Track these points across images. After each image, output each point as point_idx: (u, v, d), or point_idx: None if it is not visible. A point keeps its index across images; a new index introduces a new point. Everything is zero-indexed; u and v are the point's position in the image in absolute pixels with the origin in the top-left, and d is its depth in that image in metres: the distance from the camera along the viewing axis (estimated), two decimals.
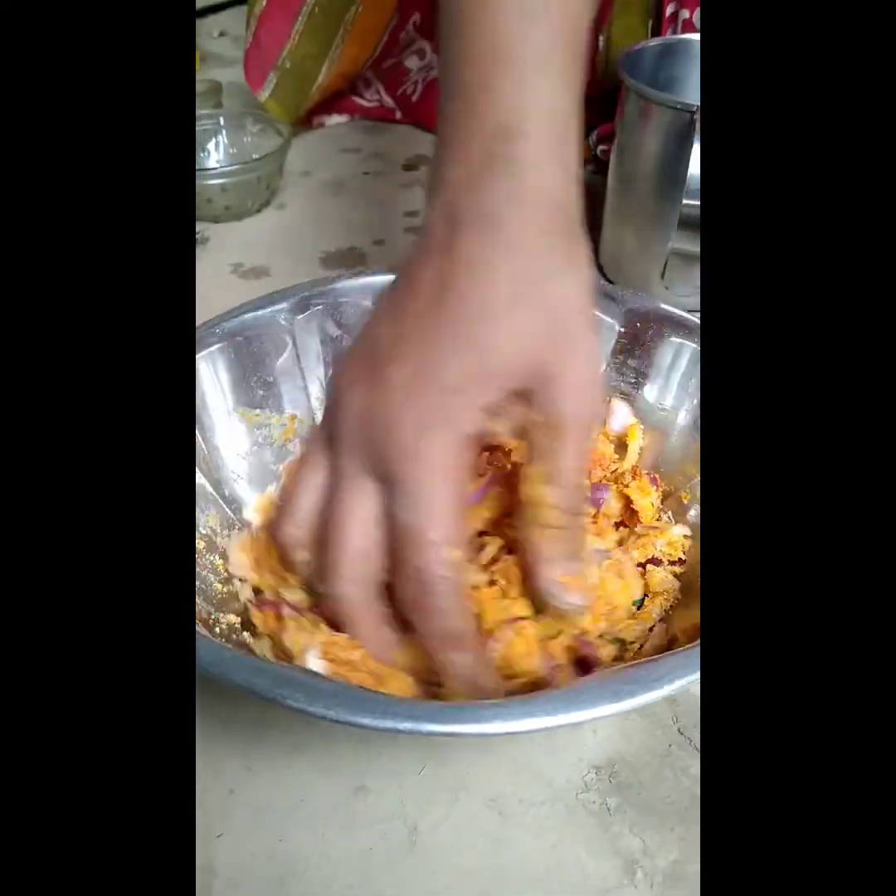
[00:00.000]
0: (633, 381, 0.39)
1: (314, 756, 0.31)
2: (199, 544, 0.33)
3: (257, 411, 0.37)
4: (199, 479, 0.34)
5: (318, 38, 0.69)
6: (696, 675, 0.24)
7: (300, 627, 0.30)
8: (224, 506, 0.35)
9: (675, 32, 0.60)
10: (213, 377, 0.35)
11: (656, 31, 0.63)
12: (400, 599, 0.28)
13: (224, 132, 0.66)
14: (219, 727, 0.32)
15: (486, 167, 0.27)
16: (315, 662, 0.28)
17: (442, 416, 0.26)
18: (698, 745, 0.32)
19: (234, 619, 0.31)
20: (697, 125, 0.44)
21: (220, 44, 1.02)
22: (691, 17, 0.59)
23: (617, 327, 0.39)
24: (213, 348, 0.35)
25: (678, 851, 0.29)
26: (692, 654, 0.25)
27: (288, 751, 0.32)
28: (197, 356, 0.35)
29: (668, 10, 0.60)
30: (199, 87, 0.71)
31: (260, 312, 0.37)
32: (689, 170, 0.44)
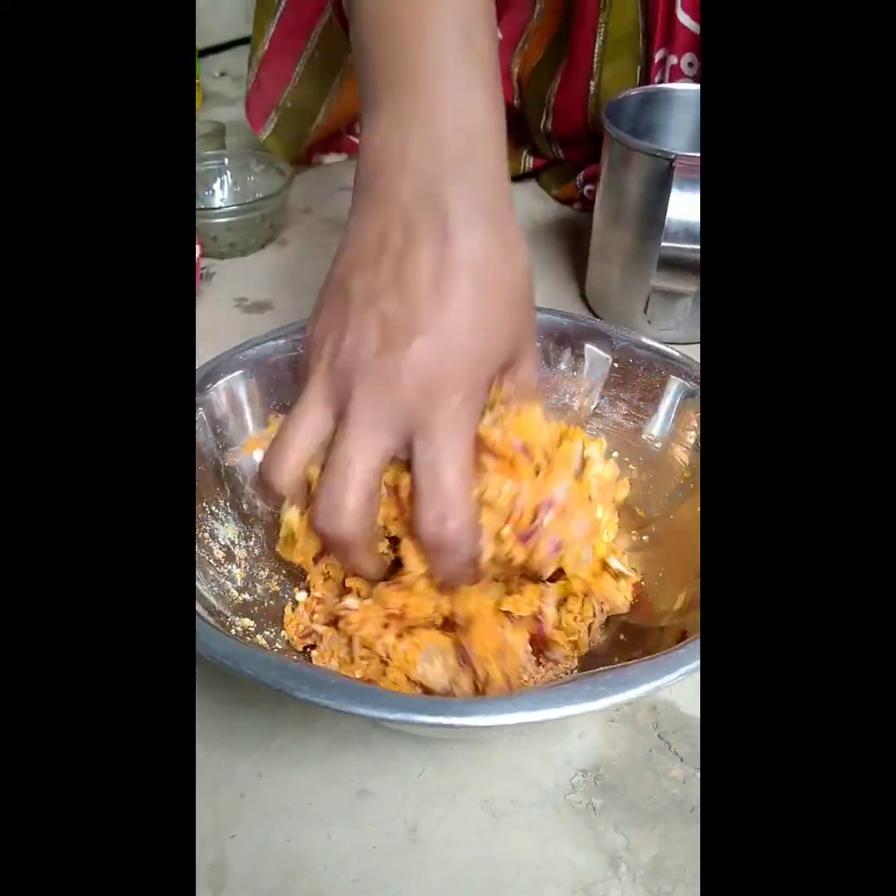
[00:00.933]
0: (625, 413, 0.42)
1: (319, 762, 0.34)
2: (219, 554, 0.35)
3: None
4: (220, 497, 0.37)
5: (317, 80, 0.71)
6: (667, 679, 0.26)
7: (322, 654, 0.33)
8: (241, 521, 0.38)
9: (663, 77, 0.62)
10: (235, 399, 0.38)
11: (645, 76, 0.64)
12: (422, 531, 0.30)
13: (228, 172, 0.69)
14: (230, 735, 0.34)
15: (462, 161, 0.31)
16: None
17: (472, 386, 0.30)
18: (677, 750, 0.34)
19: (248, 622, 0.34)
20: (675, 172, 0.47)
21: (220, 83, 1.06)
22: (679, 63, 0.61)
23: (610, 362, 0.42)
24: (235, 374, 0.38)
25: (658, 848, 0.31)
26: (661, 660, 0.27)
27: (295, 757, 0.34)
28: (222, 380, 0.38)
29: (657, 55, 0.62)
30: (203, 129, 0.74)
31: (279, 341, 0.40)
32: (668, 214, 0.47)
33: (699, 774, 0.33)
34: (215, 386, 0.38)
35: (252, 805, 0.32)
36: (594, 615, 0.36)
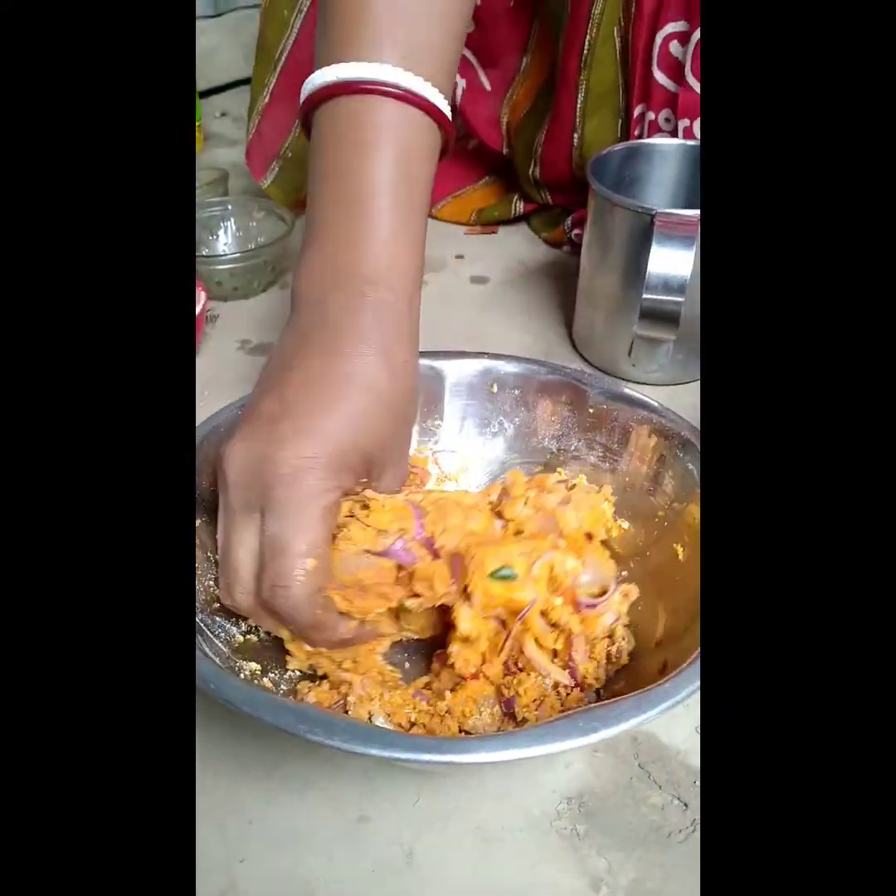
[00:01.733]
0: (600, 455, 0.45)
1: (323, 791, 0.36)
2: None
3: None
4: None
5: None
6: (653, 712, 0.29)
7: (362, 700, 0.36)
8: None
9: (642, 130, 0.66)
10: None
11: (625, 129, 0.68)
12: (261, 599, 0.33)
13: (232, 218, 0.72)
14: (239, 766, 0.37)
15: (358, 296, 0.36)
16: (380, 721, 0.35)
17: (324, 465, 0.33)
18: (656, 779, 0.37)
19: (255, 666, 0.36)
20: (655, 227, 0.50)
21: (221, 124, 1.09)
22: (656, 118, 0.65)
23: (586, 407, 0.45)
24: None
25: (637, 871, 0.34)
26: (647, 695, 0.30)
27: (300, 787, 0.36)
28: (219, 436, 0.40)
29: (636, 111, 0.65)
30: (207, 177, 0.77)
31: None
32: (648, 267, 0.50)
33: (676, 801, 0.36)
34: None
35: (260, 831, 0.35)
36: (608, 657, 0.39)
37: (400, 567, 0.36)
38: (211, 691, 0.29)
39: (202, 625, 0.35)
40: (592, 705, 0.30)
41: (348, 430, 0.34)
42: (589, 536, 0.39)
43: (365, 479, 0.36)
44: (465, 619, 0.36)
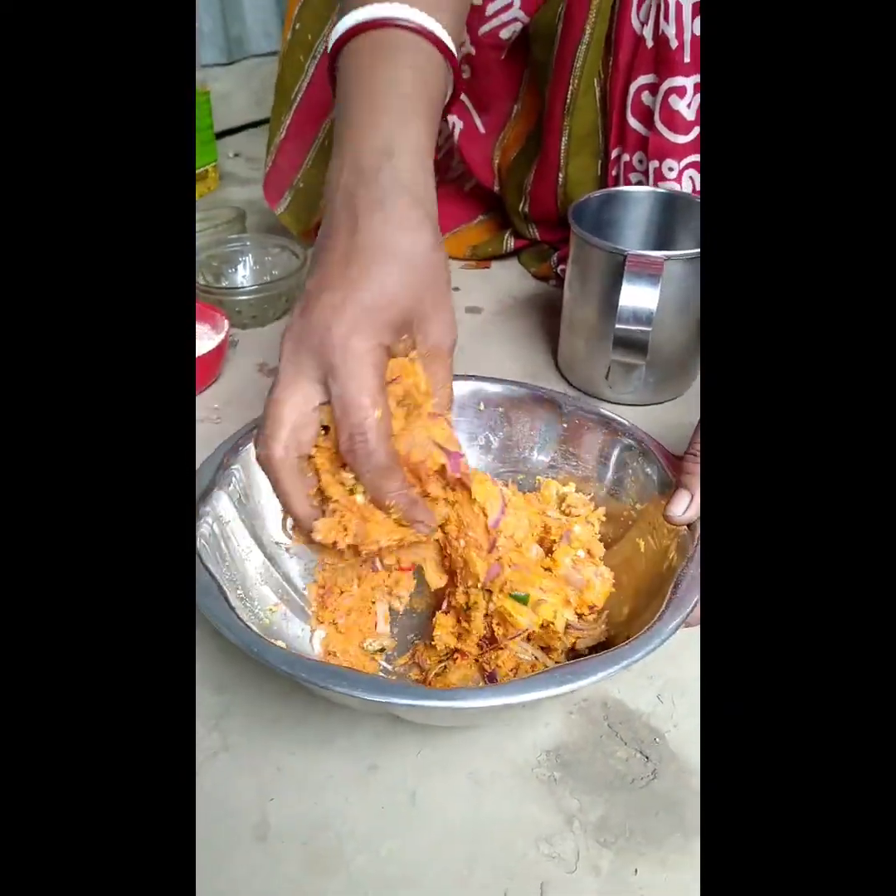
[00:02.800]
0: (575, 464, 0.52)
1: (339, 744, 0.42)
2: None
3: None
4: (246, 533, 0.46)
5: (327, 164, 0.81)
6: (615, 669, 0.35)
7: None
8: (266, 561, 0.47)
9: (619, 171, 0.74)
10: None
11: (604, 169, 0.76)
12: (342, 453, 0.37)
13: (249, 254, 0.79)
14: (271, 724, 0.43)
15: (375, 171, 0.40)
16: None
17: (365, 325, 0.37)
18: (623, 737, 0.43)
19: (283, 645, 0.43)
20: (627, 266, 0.57)
21: (235, 164, 1.17)
22: (631, 160, 0.72)
23: (561, 423, 0.52)
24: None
25: (603, 809, 0.40)
26: (611, 655, 0.36)
27: (320, 741, 0.43)
28: (249, 444, 0.47)
29: (614, 153, 0.73)
30: (226, 216, 0.84)
31: None
32: (620, 301, 0.57)
33: (639, 755, 0.42)
34: (247, 447, 0.47)
35: (287, 777, 0.41)
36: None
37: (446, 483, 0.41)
38: (254, 654, 0.36)
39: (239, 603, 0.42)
40: (567, 663, 0.37)
41: (380, 292, 0.37)
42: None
43: (406, 336, 0.39)
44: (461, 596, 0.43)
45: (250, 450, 0.48)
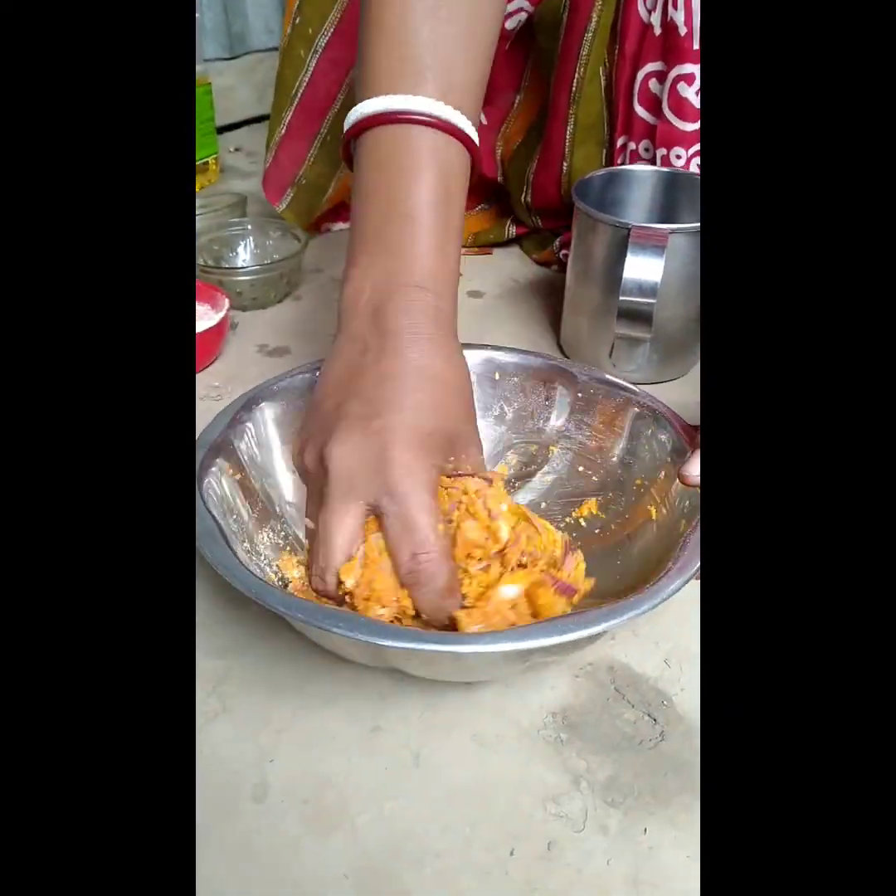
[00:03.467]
0: (588, 435, 0.51)
1: (341, 706, 0.42)
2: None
3: None
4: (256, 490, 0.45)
5: (328, 160, 0.81)
6: (618, 620, 0.35)
7: None
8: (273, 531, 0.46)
9: (624, 159, 0.73)
10: (271, 423, 0.47)
11: (609, 158, 0.75)
12: (402, 575, 0.37)
13: (251, 237, 0.79)
14: (271, 686, 0.42)
15: (407, 297, 0.40)
16: None
17: (419, 447, 0.37)
18: (629, 699, 0.42)
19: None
20: (631, 239, 0.57)
21: (236, 158, 1.17)
22: (637, 148, 0.72)
23: (575, 393, 0.51)
24: (273, 401, 0.48)
25: (611, 770, 0.39)
26: (612, 608, 0.35)
27: (322, 703, 0.42)
28: (263, 404, 0.47)
29: (619, 141, 0.73)
30: (227, 201, 0.84)
31: (306, 374, 0.49)
32: (624, 273, 0.57)
33: (647, 717, 0.42)
34: (260, 406, 0.47)
35: (288, 738, 0.40)
36: None
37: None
38: (252, 594, 0.35)
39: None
40: (571, 613, 0.36)
41: (430, 417, 0.38)
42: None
43: (452, 458, 0.40)
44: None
45: (262, 409, 0.48)
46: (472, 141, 0.44)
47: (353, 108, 0.43)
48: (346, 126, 0.44)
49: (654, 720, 0.41)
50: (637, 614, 0.35)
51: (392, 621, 0.38)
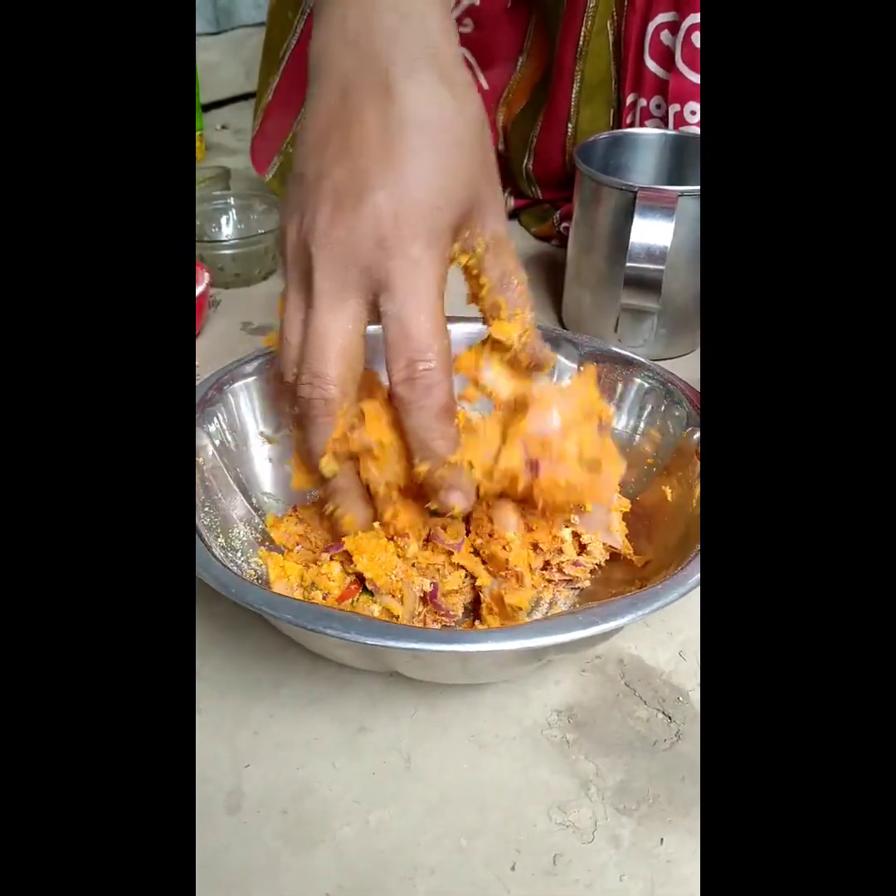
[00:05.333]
0: None
1: (325, 705, 0.38)
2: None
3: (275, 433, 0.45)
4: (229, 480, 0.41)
5: None
6: (646, 610, 0.31)
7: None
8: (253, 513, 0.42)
9: (634, 118, 0.69)
10: (244, 406, 0.43)
11: (617, 118, 0.71)
12: (394, 384, 0.31)
13: (233, 211, 0.75)
14: (246, 683, 0.39)
15: (393, 26, 0.32)
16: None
17: (432, 233, 0.31)
18: (642, 695, 0.39)
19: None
20: (637, 202, 0.53)
21: (222, 135, 1.13)
22: (648, 105, 0.67)
23: (576, 366, 0.47)
24: (249, 380, 0.44)
25: (623, 773, 0.35)
26: (638, 596, 0.31)
27: (302, 702, 0.38)
28: (235, 385, 0.43)
29: (629, 99, 0.69)
30: (209, 173, 0.80)
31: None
32: (631, 238, 0.53)
33: (661, 715, 0.38)
34: (232, 387, 0.43)
35: (265, 741, 0.36)
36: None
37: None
38: (232, 595, 0.31)
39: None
40: (589, 605, 0.32)
41: (439, 184, 0.31)
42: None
43: (467, 232, 0.34)
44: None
45: (234, 391, 0.44)
46: None
47: None
48: None
49: (669, 718, 0.38)
50: (668, 603, 0.31)
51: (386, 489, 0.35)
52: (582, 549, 0.40)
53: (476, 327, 0.48)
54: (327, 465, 0.34)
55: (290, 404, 0.35)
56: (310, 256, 0.31)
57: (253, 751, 0.36)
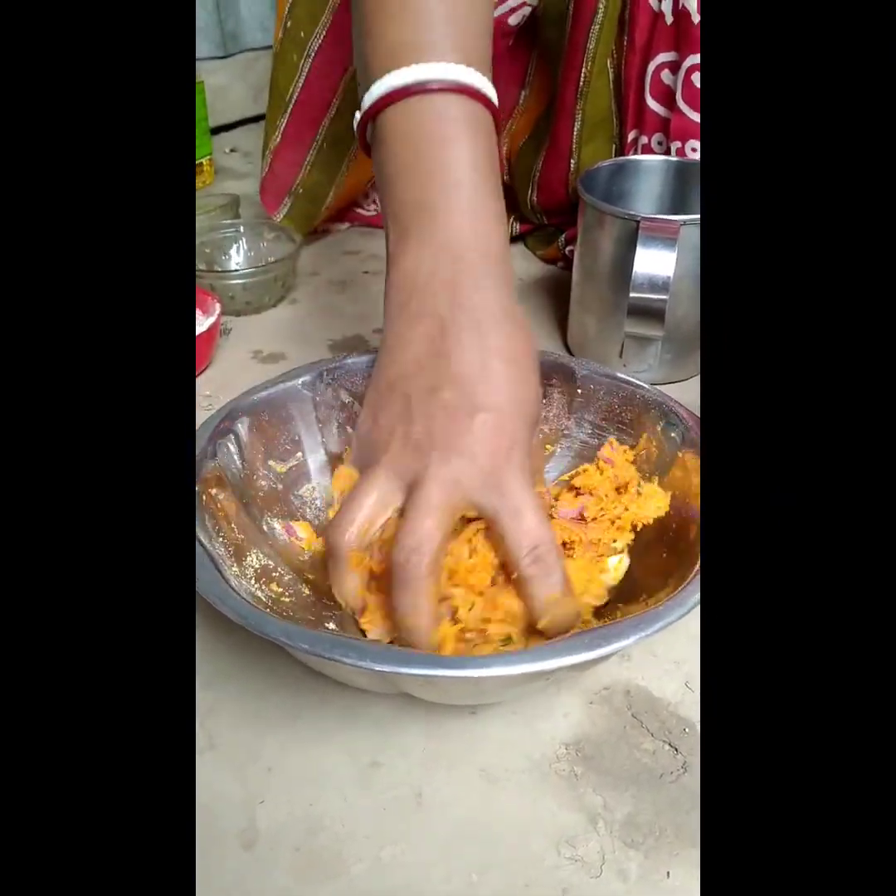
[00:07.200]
0: (589, 432, 0.48)
1: (336, 740, 0.38)
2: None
3: (282, 464, 0.46)
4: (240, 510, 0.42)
5: (325, 167, 0.78)
6: (655, 628, 0.31)
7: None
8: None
9: (635, 154, 0.69)
10: (256, 435, 0.44)
11: (619, 154, 0.71)
12: (519, 572, 0.35)
13: (244, 239, 0.76)
14: (258, 717, 0.39)
15: (482, 278, 0.38)
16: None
17: (527, 443, 0.36)
18: (648, 727, 0.39)
19: None
20: (640, 231, 0.54)
21: (231, 159, 1.14)
22: (649, 142, 0.68)
23: (575, 388, 0.48)
24: (257, 411, 0.45)
25: (631, 806, 0.36)
26: (644, 616, 0.32)
27: (316, 737, 0.39)
28: (247, 416, 0.44)
29: (630, 136, 0.69)
30: (219, 201, 0.81)
31: (287, 384, 0.46)
32: (634, 268, 0.53)
33: (668, 747, 0.38)
34: (243, 418, 0.44)
35: (278, 776, 0.37)
36: None
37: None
38: (249, 625, 0.32)
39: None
40: (595, 627, 0.33)
41: (522, 405, 0.37)
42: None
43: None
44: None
45: (245, 422, 0.45)
46: (494, 103, 0.41)
47: (369, 90, 0.40)
48: (364, 106, 0.41)
49: (676, 750, 0.38)
50: (670, 622, 0.32)
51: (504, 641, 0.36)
52: None
53: None
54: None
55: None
56: (426, 457, 0.35)
57: (266, 787, 0.37)
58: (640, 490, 0.43)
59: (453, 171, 0.39)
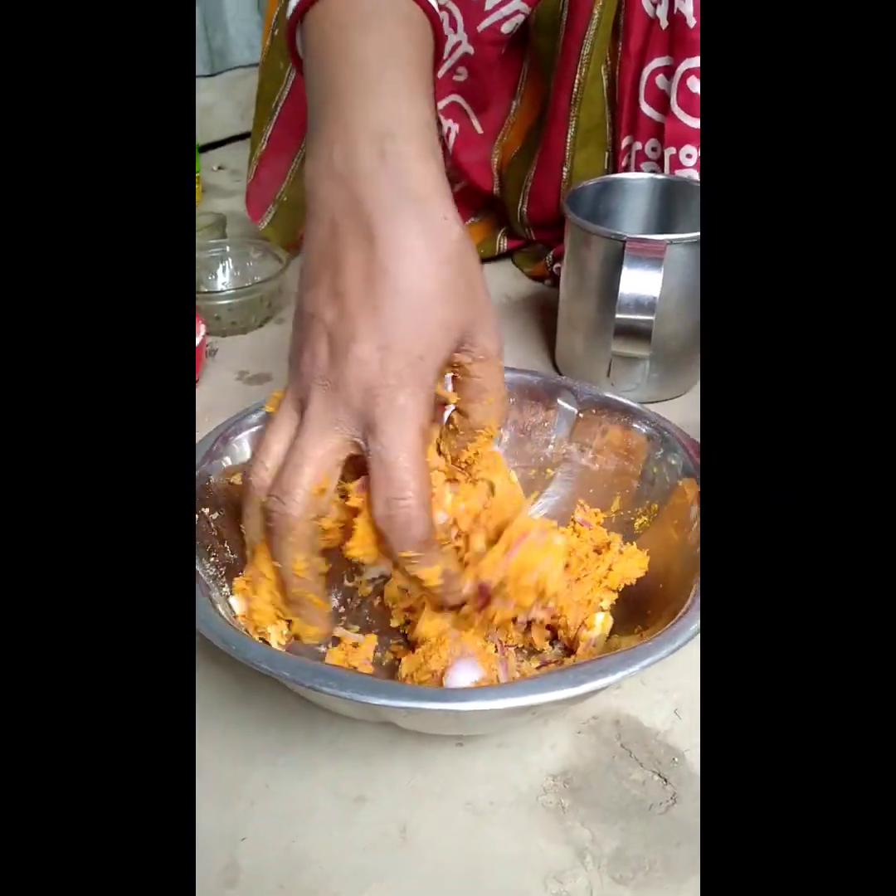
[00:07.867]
0: (591, 457, 0.47)
1: (321, 775, 0.38)
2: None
3: None
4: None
5: None
6: (640, 666, 0.31)
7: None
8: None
9: (629, 161, 0.70)
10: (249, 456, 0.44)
11: (613, 161, 0.71)
12: (376, 519, 0.34)
13: (230, 259, 0.76)
14: (242, 752, 0.39)
15: (378, 161, 0.34)
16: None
17: (416, 380, 0.33)
18: (637, 757, 0.39)
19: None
20: (626, 252, 0.54)
21: (218, 176, 1.14)
22: (643, 148, 0.68)
23: (576, 413, 0.48)
24: (253, 430, 0.45)
25: (620, 840, 0.35)
26: (629, 653, 0.32)
27: (299, 771, 0.38)
28: (240, 436, 0.44)
29: (624, 142, 0.69)
30: (206, 220, 0.81)
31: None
32: (620, 288, 0.53)
33: (657, 777, 0.38)
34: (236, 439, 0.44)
35: (261, 812, 0.36)
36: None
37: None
38: (232, 651, 0.32)
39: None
40: (581, 662, 0.33)
41: (420, 334, 0.33)
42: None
43: (458, 356, 0.36)
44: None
45: (239, 442, 0.44)
46: (431, 7, 0.38)
47: None
48: (288, 13, 0.38)
49: (665, 780, 0.38)
50: (659, 659, 0.32)
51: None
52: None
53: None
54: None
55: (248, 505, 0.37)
56: (308, 391, 0.34)
57: (249, 822, 0.36)
58: (623, 549, 0.43)
59: (364, 50, 0.35)
